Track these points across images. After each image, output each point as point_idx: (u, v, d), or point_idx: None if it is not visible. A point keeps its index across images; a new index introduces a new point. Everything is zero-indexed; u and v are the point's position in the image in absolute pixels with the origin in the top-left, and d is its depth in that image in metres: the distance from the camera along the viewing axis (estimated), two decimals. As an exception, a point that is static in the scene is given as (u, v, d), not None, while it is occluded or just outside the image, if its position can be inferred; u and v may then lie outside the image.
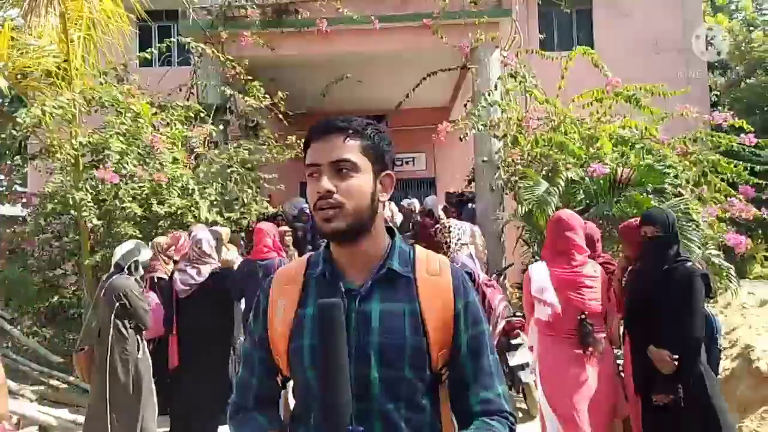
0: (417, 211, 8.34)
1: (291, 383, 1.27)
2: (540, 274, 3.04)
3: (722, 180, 5.60)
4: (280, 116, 7.22)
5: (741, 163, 5.60)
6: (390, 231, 1.25)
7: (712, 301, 3.08)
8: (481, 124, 6.23)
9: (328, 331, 1.04)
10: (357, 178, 1.16)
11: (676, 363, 2.74)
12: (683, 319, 2.76)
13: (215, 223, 5.84)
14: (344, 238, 1.16)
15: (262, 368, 1.25)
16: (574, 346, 2.92)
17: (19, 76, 5.75)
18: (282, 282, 1.26)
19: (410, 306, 1.17)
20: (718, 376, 3.11)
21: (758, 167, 5.77)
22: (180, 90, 7.24)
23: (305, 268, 1.26)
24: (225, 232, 5.13)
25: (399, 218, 8.13)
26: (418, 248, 1.27)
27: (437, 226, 4.24)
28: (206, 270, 4.14)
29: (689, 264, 2.84)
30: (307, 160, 1.18)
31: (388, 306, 1.16)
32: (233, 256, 5.14)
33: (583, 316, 2.92)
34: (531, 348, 3.30)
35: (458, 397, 1.20)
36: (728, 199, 5.32)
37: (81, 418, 4.75)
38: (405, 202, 8.56)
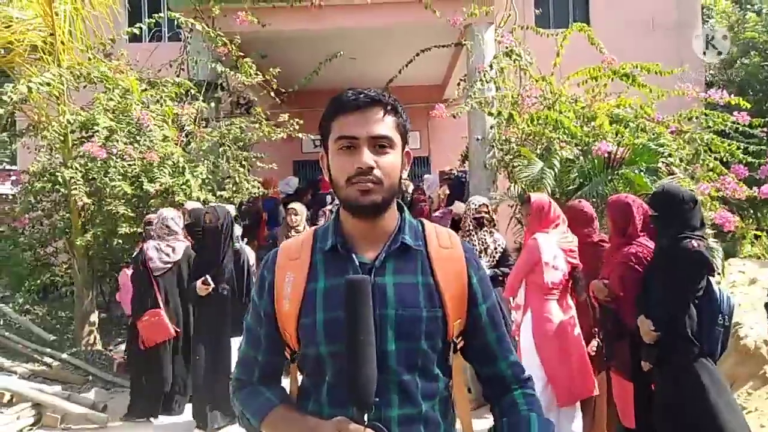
0: (410, 190, 8.33)
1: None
2: (549, 243, 3.40)
3: (716, 159, 5.60)
4: (272, 94, 7.13)
5: (734, 142, 5.60)
6: (399, 206, 1.26)
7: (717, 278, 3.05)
8: (476, 102, 6.18)
9: (356, 306, 1.04)
10: (392, 155, 1.17)
11: (656, 333, 2.79)
12: (665, 292, 2.78)
13: (206, 201, 5.81)
14: (375, 212, 1.17)
15: (267, 344, 1.24)
16: (566, 306, 3.40)
17: (2, 51, 5.62)
18: (288, 256, 1.24)
19: (424, 278, 1.19)
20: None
21: (751, 147, 5.77)
22: (170, 66, 7.12)
23: (312, 241, 1.25)
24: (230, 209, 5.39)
25: None
26: (426, 223, 1.29)
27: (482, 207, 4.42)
28: (180, 247, 4.55)
29: (686, 241, 2.78)
30: (340, 131, 1.16)
31: (401, 279, 1.17)
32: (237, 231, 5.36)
33: (573, 270, 3.48)
34: (518, 306, 3.69)
35: (486, 364, 1.25)
36: (720, 177, 5.33)
37: (75, 395, 4.78)
38: None
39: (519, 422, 1.19)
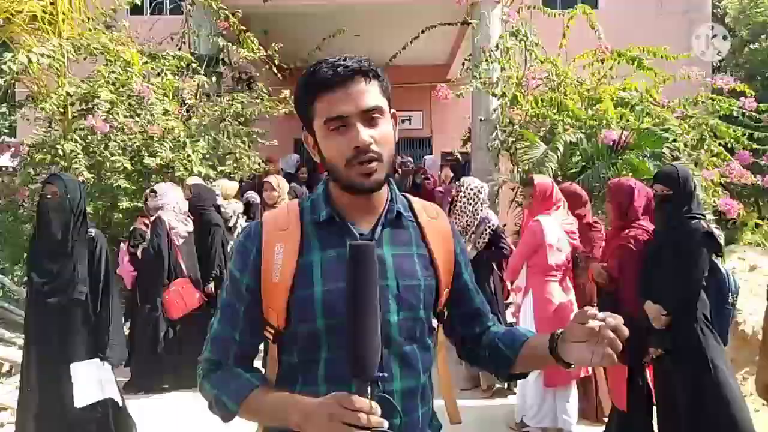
0: (411, 170, 8.28)
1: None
2: (553, 225, 3.40)
3: (720, 145, 5.56)
4: (274, 70, 7.04)
5: (740, 128, 5.55)
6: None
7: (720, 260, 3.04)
8: (480, 83, 6.11)
9: (363, 274, 0.94)
10: (385, 123, 1.11)
11: (668, 317, 2.76)
12: (676, 275, 2.75)
13: (207, 176, 5.78)
14: (378, 189, 1.13)
15: (246, 322, 1.15)
16: (566, 287, 3.46)
17: (2, 21, 5.54)
18: (275, 227, 1.15)
19: (418, 249, 1.19)
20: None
21: (756, 133, 5.72)
22: (171, 39, 7.03)
23: (299, 212, 1.17)
24: (233, 186, 5.55)
25: None
26: (410, 196, 1.28)
27: (461, 186, 4.35)
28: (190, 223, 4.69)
29: (694, 222, 2.77)
30: (327, 112, 1.08)
31: (398, 249, 1.16)
32: (238, 209, 5.48)
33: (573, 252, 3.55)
34: (518, 288, 3.70)
35: (472, 325, 1.31)
36: (725, 163, 5.30)
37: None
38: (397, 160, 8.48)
39: (507, 331, 1.28)
